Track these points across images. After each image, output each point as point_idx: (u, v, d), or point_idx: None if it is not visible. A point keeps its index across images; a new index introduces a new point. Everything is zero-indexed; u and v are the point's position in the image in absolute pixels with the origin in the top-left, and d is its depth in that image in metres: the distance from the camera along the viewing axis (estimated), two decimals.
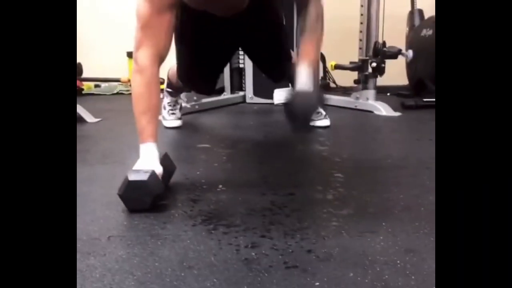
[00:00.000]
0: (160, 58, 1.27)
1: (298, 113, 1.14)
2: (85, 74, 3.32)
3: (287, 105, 1.16)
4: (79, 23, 2.31)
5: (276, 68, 1.83)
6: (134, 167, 1.19)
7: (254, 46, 1.78)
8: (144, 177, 1.13)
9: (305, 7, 1.28)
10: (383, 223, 1.05)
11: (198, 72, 1.77)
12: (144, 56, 1.25)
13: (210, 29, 1.57)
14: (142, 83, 1.26)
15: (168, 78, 2.10)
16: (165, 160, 1.31)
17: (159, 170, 1.20)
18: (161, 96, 1.31)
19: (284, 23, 1.72)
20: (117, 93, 3.54)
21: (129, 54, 3.65)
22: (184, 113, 2.34)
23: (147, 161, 1.22)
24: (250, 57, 1.94)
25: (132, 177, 1.13)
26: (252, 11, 1.47)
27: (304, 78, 1.20)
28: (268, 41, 1.68)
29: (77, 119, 2.36)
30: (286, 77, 1.83)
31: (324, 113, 2.16)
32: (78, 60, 2.35)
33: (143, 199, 1.12)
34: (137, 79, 1.27)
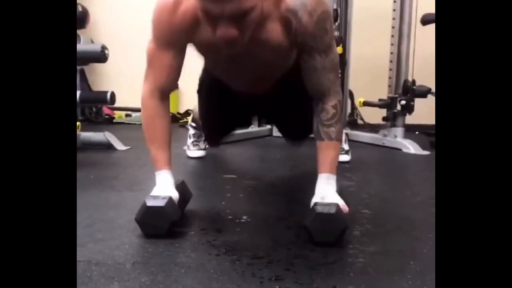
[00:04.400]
0: (161, 92, 1.28)
1: (319, 239, 1.10)
2: (117, 104, 3.42)
3: (307, 229, 1.11)
4: (112, 54, 2.41)
5: (297, 138, 1.81)
6: (152, 193, 1.21)
7: (275, 118, 1.79)
8: (161, 203, 1.14)
9: (321, 102, 1.26)
10: (411, 262, 1.02)
11: (214, 123, 1.76)
12: (145, 90, 1.29)
13: (231, 97, 1.55)
14: (144, 115, 1.31)
15: (193, 116, 2.15)
16: (181, 187, 1.32)
17: (175, 196, 1.21)
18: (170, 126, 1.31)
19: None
20: None
21: None
22: None
23: (163, 187, 1.24)
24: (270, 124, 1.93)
25: (150, 203, 1.15)
26: (276, 91, 1.48)
27: (324, 191, 1.20)
28: (291, 115, 1.63)
29: (107, 146, 2.42)
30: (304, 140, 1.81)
31: (346, 148, 2.16)
32: (111, 89, 2.42)
33: (160, 224, 1.13)
34: (142, 112, 1.32)
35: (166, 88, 1.29)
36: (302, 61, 1.25)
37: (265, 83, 1.47)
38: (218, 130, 1.79)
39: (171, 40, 1.23)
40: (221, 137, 1.85)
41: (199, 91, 1.70)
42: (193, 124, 2.22)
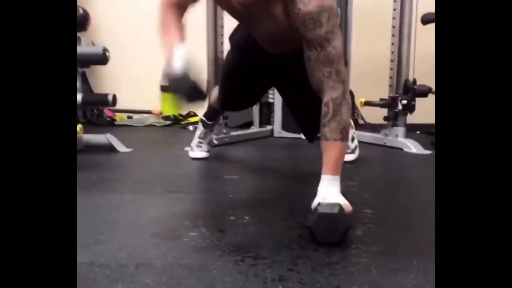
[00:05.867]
0: (179, 6, 1.37)
1: (322, 240, 1.10)
2: (118, 106, 3.43)
3: (310, 230, 1.11)
4: (114, 57, 2.41)
5: (312, 125, 1.82)
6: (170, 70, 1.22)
7: (296, 92, 1.78)
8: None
9: (322, 97, 1.26)
10: (415, 262, 1.02)
11: (238, 84, 1.81)
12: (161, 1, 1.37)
13: (260, 60, 1.60)
14: (159, 21, 1.36)
15: (209, 103, 2.15)
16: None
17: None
18: None
19: None
20: (149, 125, 3.61)
21: (162, 88, 3.74)
22: (213, 145, 2.37)
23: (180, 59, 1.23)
24: (289, 106, 1.93)
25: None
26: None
27: (327, 191, 1.19)
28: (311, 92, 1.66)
29: (109, 148, 2.42)
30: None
31: (353, 146, 2.15)
32: (112, 92, 2.42)
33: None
34: (161, 8, 1.37)
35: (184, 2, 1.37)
36: (303, 51, 1.28)
37: (285, 45, 1.48)
38: (237, 91, 1.84)
39: None
40: (238, 101, 1.92)
41: (230, 38, 1.76)
42: (203, 118, 2.21)
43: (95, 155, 2.34)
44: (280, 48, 1.53)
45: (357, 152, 2.18)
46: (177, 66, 1.20)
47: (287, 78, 1.72)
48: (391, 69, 2.68)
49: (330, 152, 1.24)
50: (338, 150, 1.24)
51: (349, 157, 2.12)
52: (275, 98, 2.96)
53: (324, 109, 1.24)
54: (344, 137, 1.25)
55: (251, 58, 1.65)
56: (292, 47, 1.47)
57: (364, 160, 2.19)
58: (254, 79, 1.79)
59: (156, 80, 3.77)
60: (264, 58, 1.60)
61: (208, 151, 2.24)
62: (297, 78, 1.63)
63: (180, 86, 1.20)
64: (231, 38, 1.77)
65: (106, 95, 2.39)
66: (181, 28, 1.36)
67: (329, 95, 1.24)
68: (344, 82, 1.27)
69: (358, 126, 3.26)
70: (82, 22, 3.26)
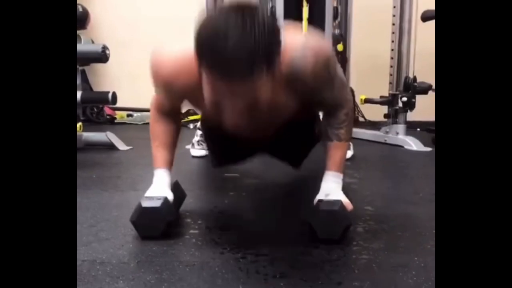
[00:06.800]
0: (170, 113, 1.29)
1: (323, 237, 1.10)
2: (118, 104, 3.42)
3: (311, 227, 1.11)
4: (113, 54, 2.41)
5: (297, 163, 1.74)
6: (146, 194, 1.20)
7: (276, 154, 1.69)
8: (157, 203, 1.13)
9: (334, 110, 1.25)
10: (415, 258, 1.02)
11: (218, 154, 1.70)
12: (153, 102, 1.32)
13: (232, 139, 1.42)
14: (151, 118, 1.33)
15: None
16: (175, 188, 1.30)
17: (170, 196, 1.20)
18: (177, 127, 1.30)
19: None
20: (149, 123, 3.61)
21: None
22: None
23: (158, 188, 1.22)
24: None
25: (145, 203, 1.14)
26: (279, 134, 1.40)
27: (329, 188, 1.19)
28: (291, 150, 1.61)
29: (109, 146, 2.42)
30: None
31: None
32: (112, 90, 2.42)
33: (156, 225, 1.12)
34: (152, 111, 1.33)
35: (177, 109, 1.30)
36: (311, 97, 1.19)
37: (267, 131, 1.37)
38: (221, 161, 1.74)
39: (169, 94, 1.21)
40: (225, 164, 1.81)
41: (202, 123, 1.70)
42: (201, 132, 2.20)
43: (95, 153, 2.34)
44: (261, 132, 1.36)
45: (352, 148, 2.18)
46: (148, 203, 1.14)
47: (272, 148, 1.61)
48: (391, 66, 2.68)
49: (338, 151, 1.25)
50: (345, 149, 1.28)
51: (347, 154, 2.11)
52: None
53: (343, 117, 1.25)
54: (350, 139, 1.31)
55: (228, 146, 1.51)
56: (276, 128, 1.36)
57: (364, 157, 2.19)
58: (236, 153, 1.63)
59: None
60: (243, 144, 1.44)
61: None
62: (283, 144, 1.51)
63: (145, 226, 1.13)
64: (202, 126, 1.70)
65: (106, 93, 2.39)
66: (172, 143, 1.30)
67: (348, 106, 1.26)
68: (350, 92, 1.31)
69: (359, 124, 3.26)
70: (81, 20, 3.25)
